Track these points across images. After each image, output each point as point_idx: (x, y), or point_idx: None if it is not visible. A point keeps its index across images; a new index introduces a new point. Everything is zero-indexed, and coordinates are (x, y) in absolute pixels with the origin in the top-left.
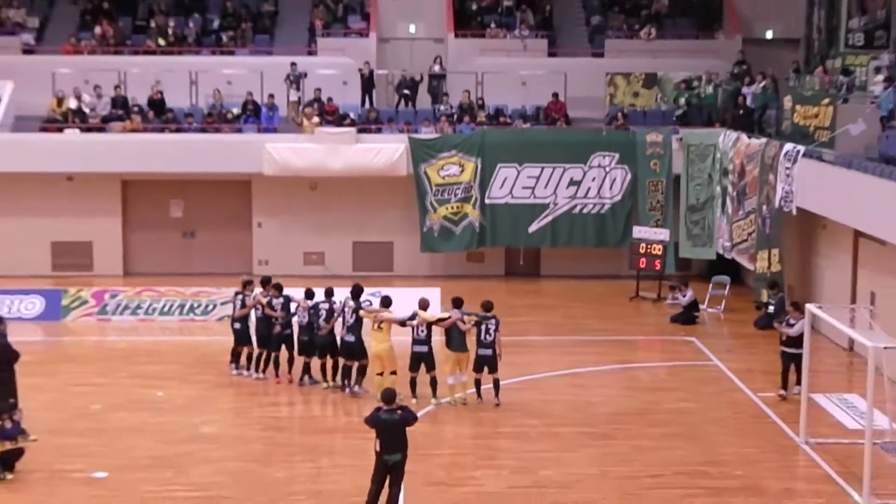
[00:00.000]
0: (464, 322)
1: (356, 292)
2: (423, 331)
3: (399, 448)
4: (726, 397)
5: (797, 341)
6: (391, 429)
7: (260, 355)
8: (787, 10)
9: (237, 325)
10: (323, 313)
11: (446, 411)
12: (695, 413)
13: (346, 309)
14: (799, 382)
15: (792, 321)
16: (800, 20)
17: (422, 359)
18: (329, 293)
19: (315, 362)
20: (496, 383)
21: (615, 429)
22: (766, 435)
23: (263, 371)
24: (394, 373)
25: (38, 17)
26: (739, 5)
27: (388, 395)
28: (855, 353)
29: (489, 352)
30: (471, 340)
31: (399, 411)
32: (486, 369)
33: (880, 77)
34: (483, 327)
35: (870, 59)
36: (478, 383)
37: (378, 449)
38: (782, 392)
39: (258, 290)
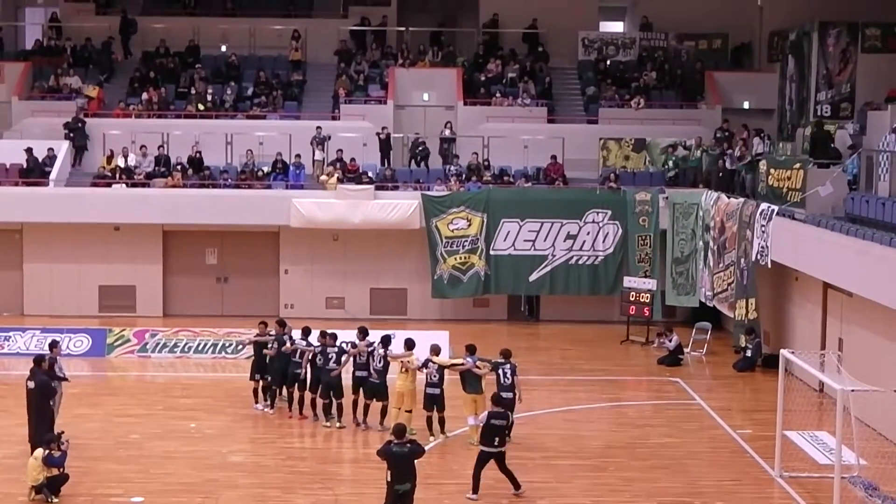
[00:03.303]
0: (478, 368)
1: (385, 340)
2: (435, 375)
3: (408, 478)
4: (707, 433)
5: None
6: (401, 460)
7: (274, 390)
8: (763, 84)
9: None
10: (332, 355)
11: (452, 445)
12: (678, 447)
13: (375, 353)
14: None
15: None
16: (774, 93)
17: (434, 400)
18: (332, 336)
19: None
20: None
21: (605, 461)
22: (744, 468)
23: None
24: (409, 411)
25: (93, 84)
26: (719, 79)
27: (399, 430)
28: (825, 394)
29: (510, 394)
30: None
31: (409, 444)
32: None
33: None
34: (500, 372)
35: (836, 129)
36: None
37: (389, 479)
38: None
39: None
